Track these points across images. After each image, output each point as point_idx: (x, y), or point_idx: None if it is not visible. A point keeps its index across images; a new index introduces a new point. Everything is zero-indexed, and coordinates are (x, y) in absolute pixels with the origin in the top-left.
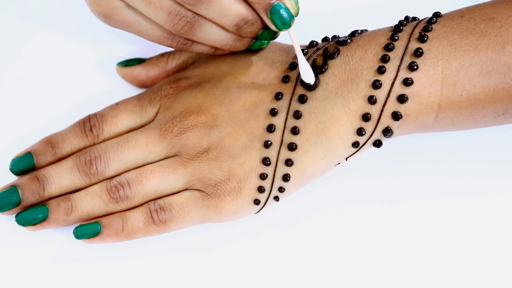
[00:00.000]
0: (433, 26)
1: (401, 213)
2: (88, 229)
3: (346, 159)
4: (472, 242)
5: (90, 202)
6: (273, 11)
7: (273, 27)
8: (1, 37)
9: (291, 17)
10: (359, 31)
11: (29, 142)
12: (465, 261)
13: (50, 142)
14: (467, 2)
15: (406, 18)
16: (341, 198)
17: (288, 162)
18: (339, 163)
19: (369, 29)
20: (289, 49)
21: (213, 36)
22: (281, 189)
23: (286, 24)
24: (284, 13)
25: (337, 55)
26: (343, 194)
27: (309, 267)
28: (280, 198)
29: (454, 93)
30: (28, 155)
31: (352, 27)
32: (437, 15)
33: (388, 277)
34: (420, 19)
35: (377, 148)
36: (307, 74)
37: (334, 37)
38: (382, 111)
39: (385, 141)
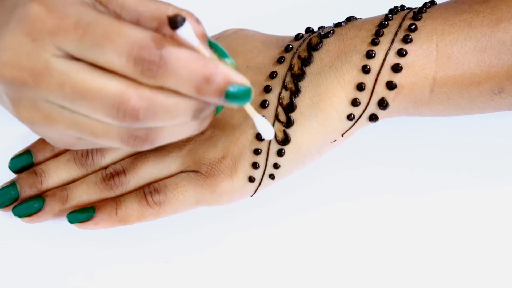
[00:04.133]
0: (427, 9)
1: (398, 207)
2: (82, 213)
3: (342, 135)
4: (468, 238)
5: (86, 190)
6: (228, 95)
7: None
8: None
9: (249, 92)
10: (355, 18)
11: (28, 143)
12: (460, 256)
13: None
14: None
15: (402, 6)
16: (337, 192)
17: None
18: (335, 140)
19: None
20: (285, 37)
21: (173, 135)
22: (276, 166)
23: (247, 101)
24: (241, 93)
25: (332, 34)
26: (338, 188)
27: (307, 263)
28: (276, 177)
29: (449, 66)
30: (27, 152)
31: None
32: (432, 2)
33: (387, 273)
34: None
35: (373, 123)
36: (266, 130)
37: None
38: (376, 80)
39: (382, 119)
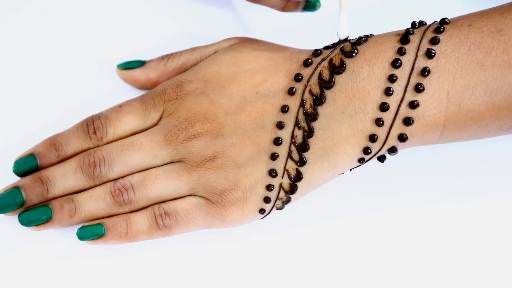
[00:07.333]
0: (441, 37)
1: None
2: (92, 231)
3: (351, 170)
4: (466, 249)
5: (94, 205)
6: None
7: None
8: (2, 38)
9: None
10: (364, 38)
11: (31, 142)
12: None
13: (53, 144)
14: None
15: (413, 25)
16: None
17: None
18: (343, 173)
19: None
20: (292, 56)
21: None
22: (287, 200)
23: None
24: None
25: (344, 70)
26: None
27: (306, 269)
28: (284, 207)
29: (459, 114)
30: (32, 156)
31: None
32: (444, 21)
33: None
34: (428, 24)
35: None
36: (345, 29)
37: (337, 43)
38: (388, 133)
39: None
